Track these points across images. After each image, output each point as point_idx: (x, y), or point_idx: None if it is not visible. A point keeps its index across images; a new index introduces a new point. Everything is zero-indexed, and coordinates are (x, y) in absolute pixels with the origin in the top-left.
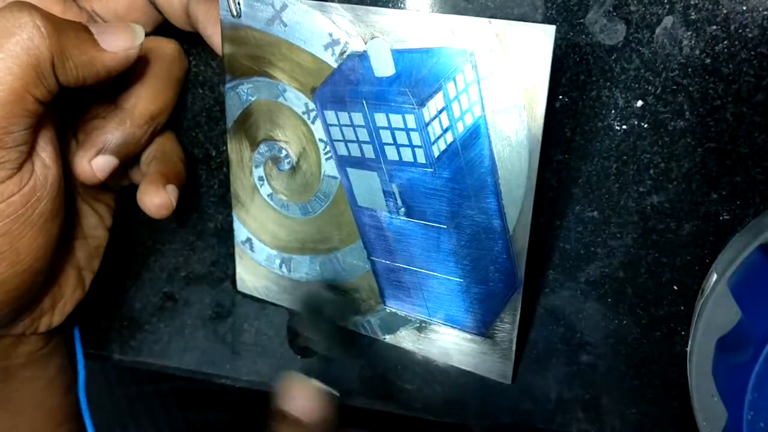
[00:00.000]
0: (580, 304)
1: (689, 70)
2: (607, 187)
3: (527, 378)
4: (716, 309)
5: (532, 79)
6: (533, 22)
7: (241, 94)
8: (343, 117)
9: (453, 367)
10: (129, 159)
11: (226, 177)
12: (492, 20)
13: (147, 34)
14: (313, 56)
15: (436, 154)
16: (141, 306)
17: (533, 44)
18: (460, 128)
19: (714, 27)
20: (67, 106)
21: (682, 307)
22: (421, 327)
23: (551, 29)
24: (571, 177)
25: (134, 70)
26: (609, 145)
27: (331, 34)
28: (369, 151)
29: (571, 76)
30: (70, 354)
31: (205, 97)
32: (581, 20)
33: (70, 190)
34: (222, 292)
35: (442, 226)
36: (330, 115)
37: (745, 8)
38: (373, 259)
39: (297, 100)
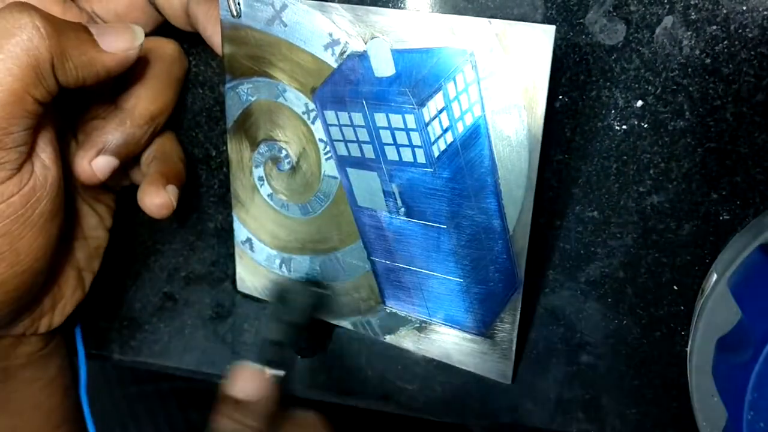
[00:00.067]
0: (580, 304)
1: (689, 70)
2: (607, 187)
3: (527, 378)
4: (716, 309)
5: (532, 79)
6: (533, 22)
7: (241, 94)
8: (343, 117)
9: (453, 367)
10: (129, 159)
11: (226, 177)
12: (492, 20)
13: (147, 35)
14: (313, 56)
15: (436, 154)
16: (141, 306)
17: (533, 44)
18: (460, 128)
19: (714, 27)
20: (67, 107)
21: (682, 307)
22: (421, 327)
23: (551, 29)
24: (571, 177)
25: (134, 71)
26: (609, 145)
27: (331, 34)
28: (369, 151)
29: (571, 76)
30: (70, 355)
31: (205, 97)
32: (581, 20)
33: (70, 190)
34: (222, 292)
35: (442, 226)
36: (330, 115)
37: (745, 8)
38: (373, 259)
39: (297, 100)
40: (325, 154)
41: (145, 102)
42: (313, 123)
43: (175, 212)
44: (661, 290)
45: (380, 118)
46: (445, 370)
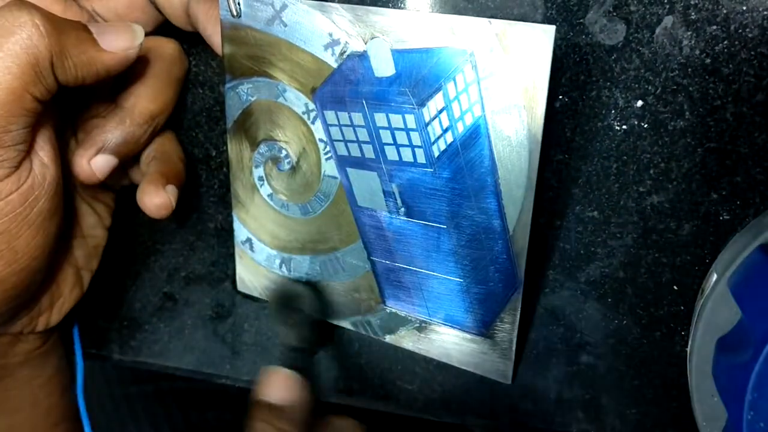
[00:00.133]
0: (580, 304)
1: (689, 70)
2: (607, 187)
3: (527, 378)
4: (716, 309)
5: (532, 79)
6: (533, 22)
7: (241, 94)
8: (343, 117)
9: (453, 367)
10: (128, 158)
11: (226, 177)
12: (492, 20)
13: (147, 34)
14: (313, 56)
15: (436, 154)
16: (141, 306)
17: (533, 44)
18: (460, 128)
19: (714, 27)
20: (66, 105)
21: (682, 307)
22: (421, 327)
23: (551, 29)
24: (571, 177)
25: (134, 70)
26: (609, 145)
27: (331, 34)
28: (369, 151)
29: (571, 76)
30: (68, 353)
31: (205, 97)
32: (581, 20)
33: (69, 189)
34: (222, 292)
35: (442, 226)
36: (330, 115)
37: (745, 8)
38: (373, 259)
39: (297, 100)
40: (325, 154)
41: (145, 101)
42: (313, 123)
43: (175, 212)
44: (661, 290)
45: (380, 118)
46: (445, 370)
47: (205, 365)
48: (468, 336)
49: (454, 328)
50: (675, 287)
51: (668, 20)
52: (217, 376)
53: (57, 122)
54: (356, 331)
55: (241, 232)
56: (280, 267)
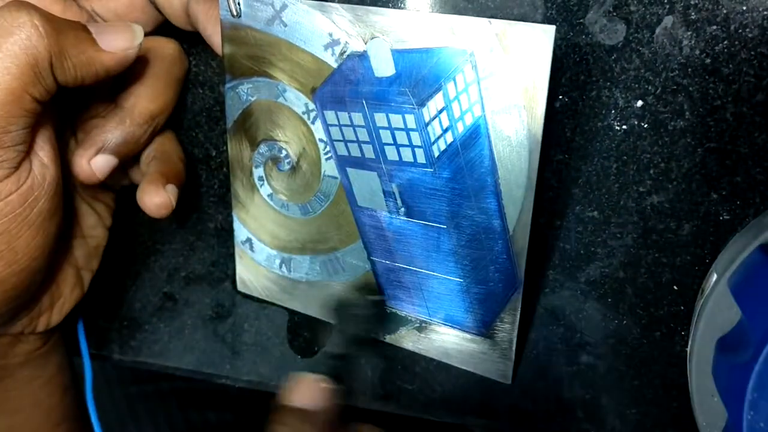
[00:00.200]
0: (580, 304)
1: (689, 70)
2: (607, 187)
3: (527, 378)
4: (716, 309)
5: (532, 79)
6: (533, 22)
7: (241, 94)
8: (343, 117)
9: (453, 367)
10: (128, 158)
11: (226, 177)
12: (492, 20)
13: (147, 34)
14: (313, 56)
15: (436, 154)
16: (141, 306)
17: (533, 44)
18: (460, 128)
19: (714, 27)
20: (66, 105)
21: (682, 307)
22: (421, 327)
23: (551, 29)
24: (571, 177)
25: (134, 70)
26: (609, 145)
27: (331, 34)
28: (369, 151)
29: (571, 76)
30: (68, 353)
31: (205, 97)
32: (581, 20)
33: (69, 189)
34: (222, 292)
35: (442, 226)
36: (330, 115)
37: (745, 8)
38: (373, 259)
39: (297, 100)
40: (325, 154)
41: (144, 101)
42: (313, 123)
43: (175, 212)
44: (661, 290)
45: (380, 118)
46: (445, 370)
47: (205, 365)
48: (468, 336)
49: (454, 328)
50: (675, 287)
51: (668, 20)
52: (217, 376)
53: (57, 122)
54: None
55: (241, 232)
56: (280, 267)
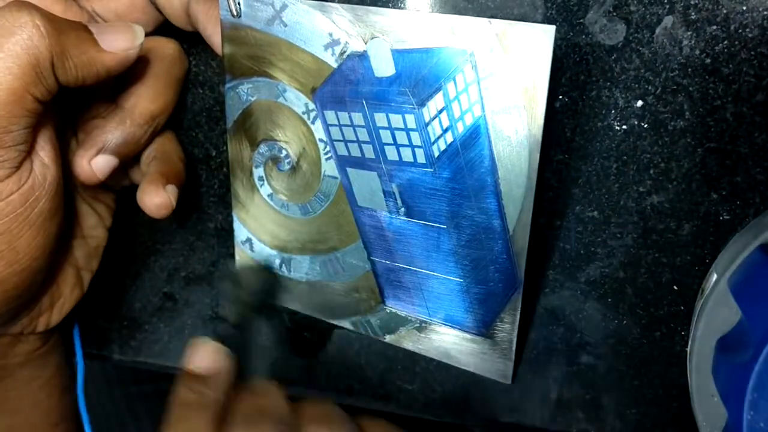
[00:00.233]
0: (580, 304)
1: (689, 70)
2: (607, 187)
3: (527, 378)
4: (716, 309)
5: (532, 79)
6: (533, 22)
7: (241, 94)
8: (343, 117)
9: (453, 367)
10: (129, 159)
11: (226, 177)
12: (492, 20)
13: (147, 34)
14: (313, 56)
15: (436, 154)
16: (141, 306)
17: (533, 44)
18: (460, 128)
19: (714, 27)
20: (67, 106)
21: (682, 307)
22: (421, 327)
23: (551, 29)
24: (571, 177)
25: (135, 70)
26: (609, 145)
27: (331, 34)
28: (369, 151)
29: (571, 76)
30: (68, 354)
31: (205, 97)
32: (581, 20)
33: (69, 189)
34: None
35: (442, 226)
36: (330, 115)
37: (745, 8)
38: (373, 259)
39: (297, 100)
40: (325, 154)
41: (145, 101)
42: (313, 123)
43: (175, 212)
44: (661, 290)
45: (380, 118)
46: (445, 370)
47: None
48: (468, 336)
49: (454, 328)
50: (675, 287)
51: (668, 20)
52: None
53: (57, 123)
54: (356, 331)
55: (241, 232)
56: (280, 267)
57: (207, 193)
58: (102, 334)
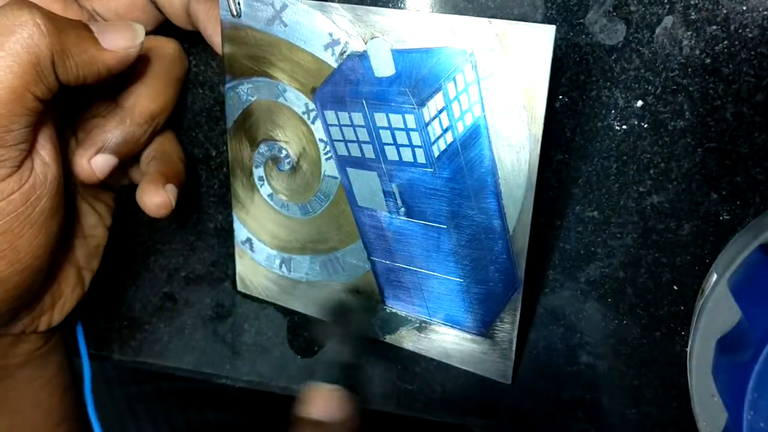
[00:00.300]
0: (580, 304)
1: (689, 70)
2: (607, 187)
3: (527, 378)
4: (716, 309)
5: (532, 79)
6: (533, 22)
7: (241, 94)
8: (343, 117)
9: (453, 367)
10: (129, 158)
11: (226, 177)
12: (492, 20)
13: (147, 33)
14: (313, 56)
15: (436, 154)
16: (141, 306)
17: (533, 44)
18: (460, 128)
19: (714, 27)
20: (67, 105)
21: (682, 307)
22: (421, 327)
23: (551, 29)
24: (571, 177)
25: (135, 69)
26: (609, 145)
27: (331, 34)
28: (369, 151)
29: (571, 76)
30: (69, 353)
31: (205, 97)
32: (581, 20)
33: (69, 188)
34: (222, 292)
35: (442, 226)
36: (330, 115)
37: (745, 8)
38: (373, 259)
39: (297, 100)
40: (325, 154)
41: (145, 101)
42: (313, 123)
43: (175, 212)
44: (661, 290)
45: (380, 118)
46: (445, 370)
47: (205, 365)
48: (468, 336)
49: (454, 328)
50: (675, 287)
51: (668, 20)
52: (217, 376)
53: (58, 122)
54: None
55: (241, 232)
56: (280, 267)
57: (207, 193)
58: (102, 334)
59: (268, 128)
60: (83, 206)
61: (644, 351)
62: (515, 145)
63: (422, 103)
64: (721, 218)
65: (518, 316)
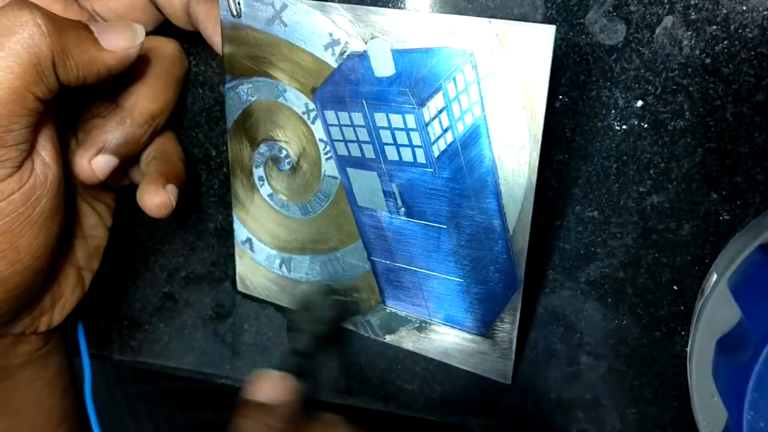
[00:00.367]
0: (580, 304)
1: (689, 70)
2: (607, 187)
3: (527, 378)
4: (716, 309)
5: (532, 79)
6: (533, 22)
7: (241, 94)
8: (343, 117)
9: (453, 367)
10: (129, 158)
11: (226, 177)
12: (492, 20)
13: (148, 34)
14: (313, 56)
15: (436, 154)
16: (141, 306)
17: (533, 44)
18: (460, 128)
19: (714, 27)
20: (67, 105)
21: (682, 307)
22: (421, 327)
23: (551, 29)
24: (571, 177)
25: (135, 70)
26: (609, 145)
27: (331, 34)
28: (369, 151)
29: (571, 76)
30: (69, 354)
31: (205, 97)
32: (581, 20)
33: (70, 189)
34: (222, 292)
35: (442, 226)
36: (330, 115)
37: (745, 8)
38: (373, 259)
39: (297, 100)
40: (325, 154)
41: (145, 101)
42: (313, 123)
43: (175, 212)
44: (661, 290)
45: (380, 118)
46: (445, 370)
47: (205, 365)
48: (468, 336)
49: (454, 328)
50: (675, 287)
51: (668, 20)
52: (217, 376)
53: (58, 122)
54: (356, 331)
55: (241, 232)
56: (280, 267)
57: (207, 193)
58: (102, 334)
59: (268, 128)
60: (83, 207)
61: (644, 351)
62: (515, 145)
63: (422, 103)
64: (721, 218)
65: (518, 316)
